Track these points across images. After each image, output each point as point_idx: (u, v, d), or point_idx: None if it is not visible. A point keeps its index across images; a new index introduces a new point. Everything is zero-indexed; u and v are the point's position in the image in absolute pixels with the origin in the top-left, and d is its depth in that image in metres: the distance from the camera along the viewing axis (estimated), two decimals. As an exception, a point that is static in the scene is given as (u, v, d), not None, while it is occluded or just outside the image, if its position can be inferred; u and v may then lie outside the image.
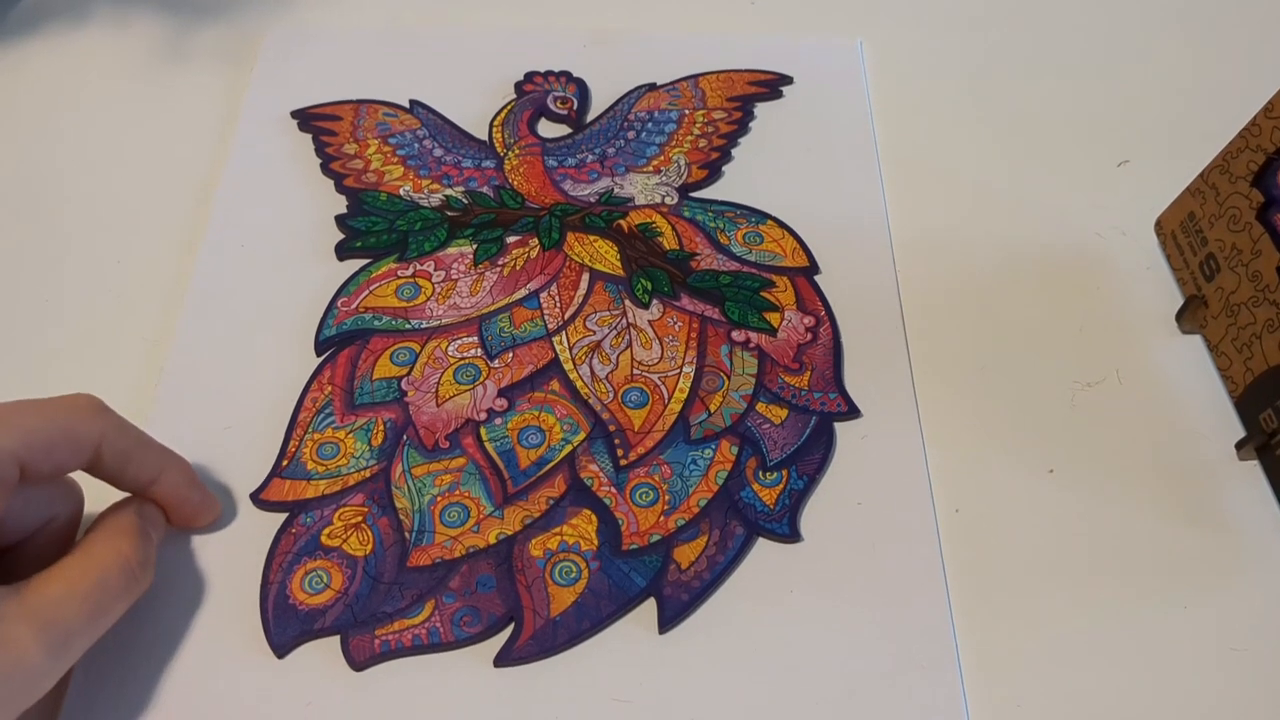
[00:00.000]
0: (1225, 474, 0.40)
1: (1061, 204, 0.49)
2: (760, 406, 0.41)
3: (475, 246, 0.46)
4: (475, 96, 0.53)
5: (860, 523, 0.38)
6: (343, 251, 0.46)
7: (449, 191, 0.48)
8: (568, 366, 0.42)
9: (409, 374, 0.42)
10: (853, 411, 0.41)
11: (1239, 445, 0.40)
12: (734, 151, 0.51)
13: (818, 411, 0.41)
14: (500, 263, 0.46)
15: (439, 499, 0.38)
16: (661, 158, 0.50)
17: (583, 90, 0.53)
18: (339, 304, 0.44)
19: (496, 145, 0.51)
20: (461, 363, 0.42)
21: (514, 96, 0.53)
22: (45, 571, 0.31)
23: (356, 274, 0.45)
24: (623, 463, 0.39)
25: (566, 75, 0.54)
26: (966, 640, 0.36)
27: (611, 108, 0.52)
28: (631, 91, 0.53)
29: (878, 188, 0.49)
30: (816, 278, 0.45)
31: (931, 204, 0.49)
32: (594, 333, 0.43)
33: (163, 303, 0.45)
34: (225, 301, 0.44)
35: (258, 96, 0.53)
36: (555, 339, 0.43)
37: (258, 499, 0.38)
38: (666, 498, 0.38)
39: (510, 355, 0.42)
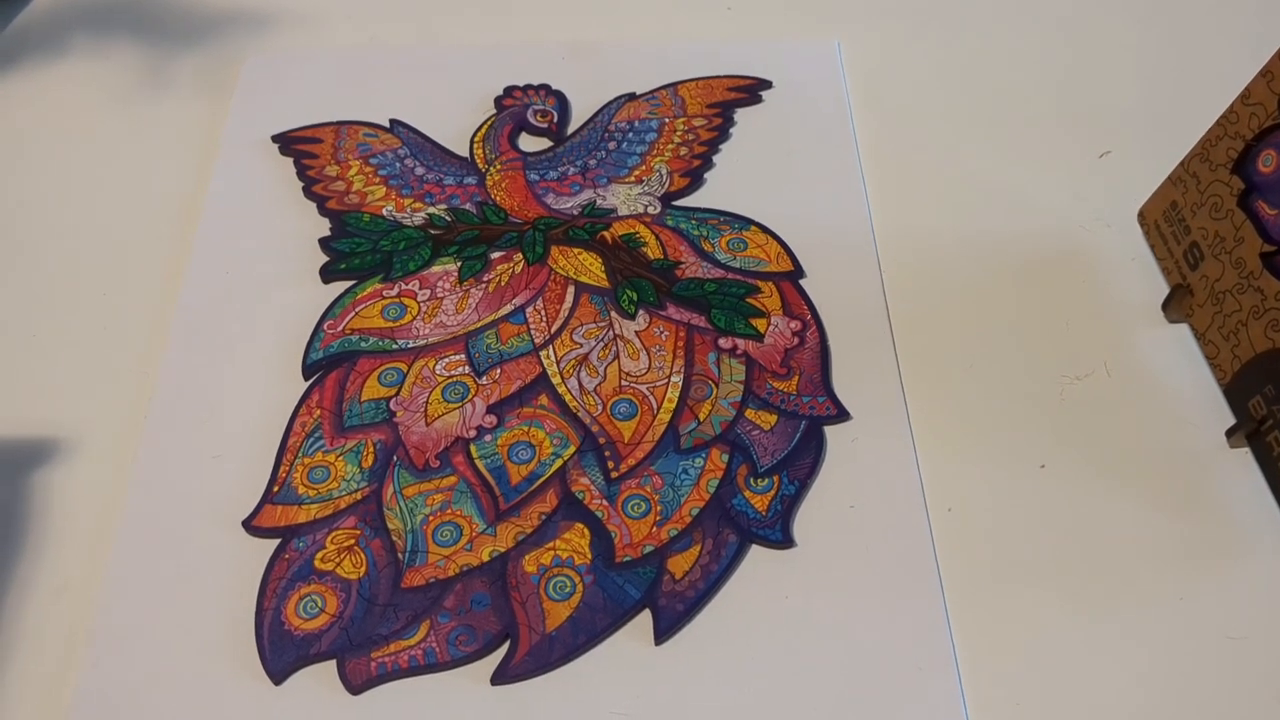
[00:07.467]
0: (1216, 462, 0.40)
1: (1045, 197, 0.49)
2: (749, 413, 0.41)
3: (460, 264, 0.46)
4: (455, 113, 0.53)
5: (853, 526, 0.38)
6: (327, 274, 0.46)
7: (432, 210, 0.48)
8: (556, 380, 0.42)
9: (397, 394, 0.42)
10: (842, 414, 0.41)
11: (1229, 433, 0.40)
12: (715, 158, 0.51)
13: (807, 416, 0.41)
14: (485, 279, 0.46)
15: (431, 518, 0.38)
16: (643, 167, 0.50)
17: (562, 102, 0.53)
18: (325, 327, 0.44)
19: (478, 161, 0.51)
20: (450, 381, 0.42)
21: (494, 111, 0.53)
22: None
23: (342, 296, 0.45)
24: (614, 475, 0.39)
25: (546, 88, 0.54)
26: (963, 639, 0.36)
27: (592, 119, 0.52)
28: (611, 102, 0.53)
29: (860, 188, 0.49)
30: (801, 282, 0.45)
31: (914, 202, 0.49)
32: (581, 345, 0.43)
33: (149, 332, 0.45)
34: (211, 329, 0.44)
35: (238, 122, 0.53)
36: (542, 353, 0.43)
37: (250, 526, 0.38)
38: (659, 508, 0.38)
39: (498, 371, 0.42)
